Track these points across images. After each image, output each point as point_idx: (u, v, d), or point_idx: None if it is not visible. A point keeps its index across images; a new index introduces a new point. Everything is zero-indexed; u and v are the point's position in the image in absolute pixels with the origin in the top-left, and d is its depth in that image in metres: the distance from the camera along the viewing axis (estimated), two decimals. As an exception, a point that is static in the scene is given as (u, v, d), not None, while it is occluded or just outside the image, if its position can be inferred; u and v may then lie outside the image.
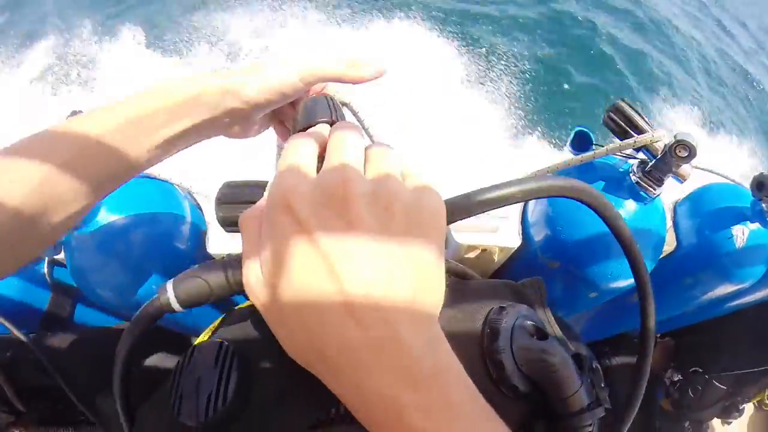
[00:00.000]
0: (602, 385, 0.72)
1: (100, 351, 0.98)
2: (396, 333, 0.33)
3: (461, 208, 0.45)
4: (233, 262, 0.46)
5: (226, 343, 0.51)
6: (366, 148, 0.40)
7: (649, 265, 0.93)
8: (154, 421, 0.55)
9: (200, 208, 1.07)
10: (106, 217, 0.89)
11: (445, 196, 0.47)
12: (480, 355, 0.54)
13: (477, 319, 0.57)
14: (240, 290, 0.46)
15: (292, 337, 0.36)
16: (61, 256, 1.13)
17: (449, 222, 0.43)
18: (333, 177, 0.35)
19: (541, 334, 0.56)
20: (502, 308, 0.57)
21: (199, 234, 1.02)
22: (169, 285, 0.46)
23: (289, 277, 0.34)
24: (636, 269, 0.58)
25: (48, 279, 1.11)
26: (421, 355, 0.33)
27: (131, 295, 0.93)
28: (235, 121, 0.62)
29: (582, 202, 0.52)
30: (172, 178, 1.01)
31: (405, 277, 0.34)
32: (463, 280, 0.69)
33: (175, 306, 0.46)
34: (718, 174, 1.06)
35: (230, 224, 0.51)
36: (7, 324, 0.94)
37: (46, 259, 1.11)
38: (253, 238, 0.38)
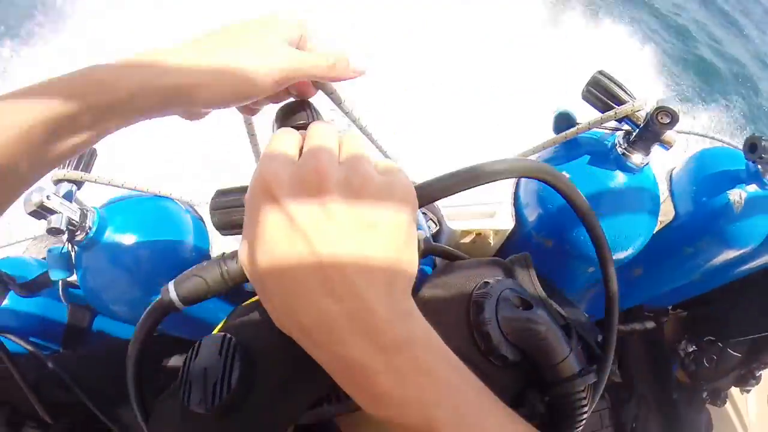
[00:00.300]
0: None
1: (119, 363, 1.01)
2: (367, 303, 0.36)
3: (429, 192, 0.47)
4: (228, 258, 0.49)
5: (229, 335, 0.54)
6: (340, 137, 0.43)
7: (645, 235, 0.94)
8: (168, 411, 0.58)
9: (202, 219, 1.10)
10: (112, 237, 0.93)
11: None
12: (467, 327, 0.57)
13: (463, 294, 0.60)
14: (234, 283, 0.49)
15: (275, 309, 0.39)
16: (74, 278, 1.16)
17: (428, 201, 0.47)
18: (309, 164, 0.38)
19: (526, 304, 0.57)
20: (486, 283, 0.59)
21: (203, 243, 1.05)
22: (171, 285, 0.50)
23: (270, 253, 0.37)
24: (595, 237, 0.61)
25: (63, 300, 1.16)
26: (392, 324, 0.37)
27: (143, 309, 0.94)
28: (182, 115, 0.55)
29: (539, 179, 0.55)
30: (172, 193, 1.05)
31: (377, 252, 0.37)
32: (451, 261, 0.71)
33: (178, 304, 0.50)
34: (711, 137, 1.07)
35: (225, 228, 0.55)
36: (28, 347, 1.01)
37: (60, 281, 1.15)
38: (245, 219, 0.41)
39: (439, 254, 0.72)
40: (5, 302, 1.08)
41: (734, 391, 1.68)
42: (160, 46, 0.51)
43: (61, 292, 1.15)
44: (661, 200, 1.10)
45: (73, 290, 1.18)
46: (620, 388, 1.49)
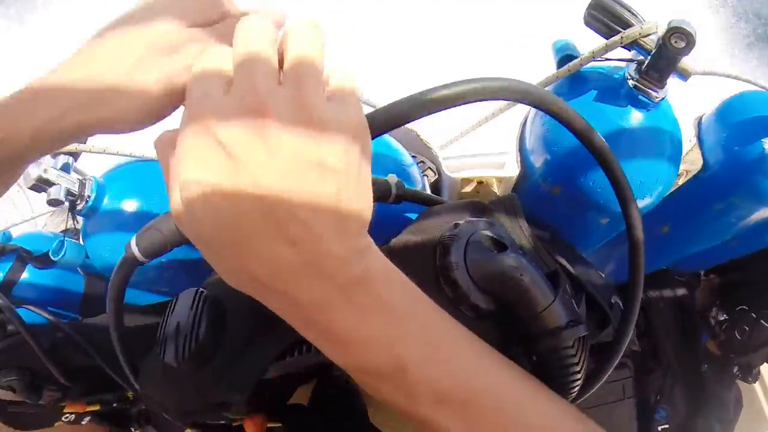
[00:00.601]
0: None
1: (134, 328, 1.10)
2: (321, 243, 0.34)
3: (383, 121, 0.43)
4: None
5: (202, 289, 0.57)
6: (286, 37, 0.38)
7: (666, 182, 0.86)
8: (152, 368, 0.62)
9: None
10: (111, 202, 0.95)
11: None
12: (433, 274, 0.51)
13: (432, 240, 0.55)
14: None
15: (225, 264, 0.37)
16: None
17: (381, 132, 0.42)
18: (244, 87, 0.34)
19: (500, 246, 0.51)
20: (456, 224, 0.54)
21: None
22: (133, 240, 0.52)
23: (213, 201, 0.34)
24: (610, 171, 0.55)
25: (80, 270, 1.24)
26: (348, 262, 0.36)
27: (147, 271, 0.98)
28: None
29: (526, 102, 0.50)
30: None
31: (327, 189, 0.34)
32: (429, 206, 0.65)
33: (140, 257, 0.51)
34: (741, 80, 0.98)
35: None
36: (44, 314, 1.07)
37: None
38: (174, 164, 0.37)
39: (412, 199, 0.67)
40: (24, 276, 1.14)
41: (766, 368, 1.60)
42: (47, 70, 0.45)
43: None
44: (689, 148, 1.02)
45: (89, 260, 1.28)
46: (645, 357, 1.43)
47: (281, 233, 0.33)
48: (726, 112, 1.00)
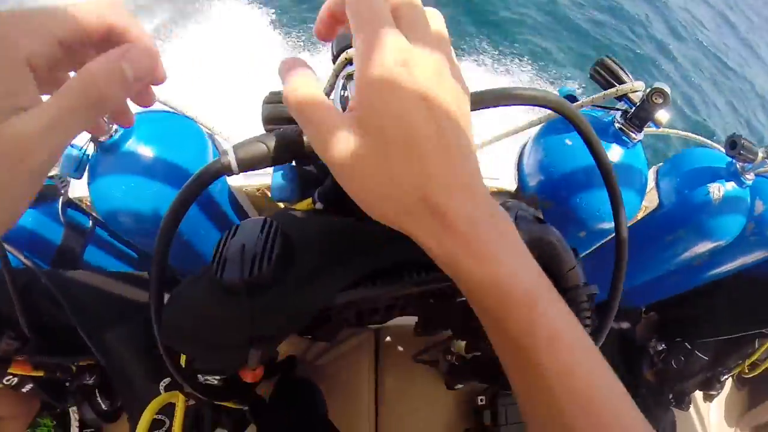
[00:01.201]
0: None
1: (110, 291, 1.13)
2: (476, 178, 0.43)
3: (486, 98, 0.57)
4: (287, 131, 0.54)
5: (270, 218, 0.61)
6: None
7: (632, 207, 1.13)
8: (189, 294, 0.61)
9: (219, 149, 1.18)
10: (133, 145, 1.00)
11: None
12: None
13: None
14: (296, 153, 0.53)
15: (392, 173, 0.41)
16: (75, 196, 1.26)
17: (478, 107, 0.55)
18: (433, 57, 0.42)
19: (539, 220, 0.73)
20: (505, 202, 0.75)
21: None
22: (230, 148, 0.51)
23: (402, 96, 0.40)
24: (610, 186, 0.72)
25: (62, 218, 1.23)
26: (489, 196, 0.44)
27: (150, 223, 1.04)
28: None
29: (557, 111, 0.65)
30: (197, 117, 1.15)
31: (467, 137, 0.44)
32: None
33: (234, 167, 0.51)
34: (698, 138, 1.27)
35: (272, 122, 0.66)
36: (20, 256, 1.04)
37: (61, 198, 1.22)
38: (332, 110, 0.43)
39: None
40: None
41: (698, 400, 1.85)
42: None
43: (60, 210, 1.23)
44: (648, 189, 1.29)
45: (72, 211, 1.26)
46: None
47: (443, 143, 0.40)
48: (679, 162, 1.30)
